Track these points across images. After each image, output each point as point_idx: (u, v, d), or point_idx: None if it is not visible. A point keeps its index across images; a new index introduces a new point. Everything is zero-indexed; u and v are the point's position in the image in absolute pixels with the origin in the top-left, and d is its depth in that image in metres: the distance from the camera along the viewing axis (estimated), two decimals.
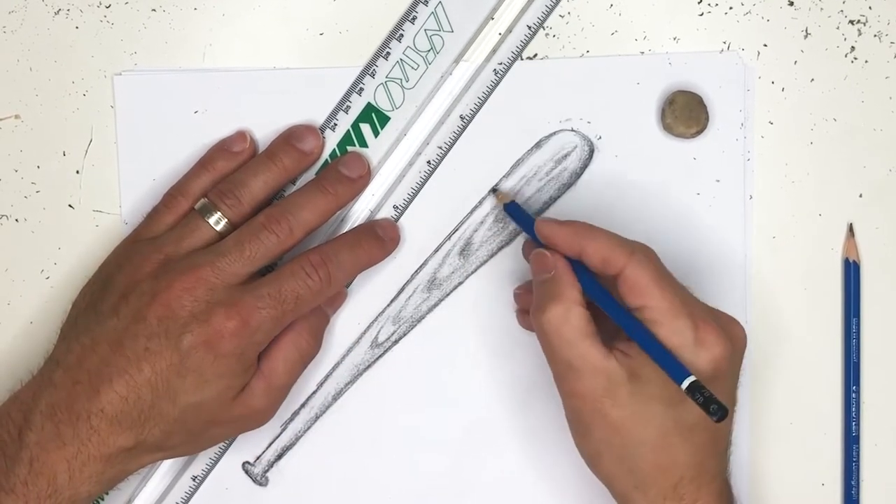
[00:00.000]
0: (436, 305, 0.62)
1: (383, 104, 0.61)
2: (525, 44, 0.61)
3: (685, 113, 0.61)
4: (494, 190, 0.62)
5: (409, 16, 0.61)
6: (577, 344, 0.54)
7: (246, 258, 0.56)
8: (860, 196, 0.63)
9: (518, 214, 0.60)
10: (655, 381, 0.53)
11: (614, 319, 0.54)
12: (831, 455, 0.63)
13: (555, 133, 0.62)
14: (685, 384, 0.51)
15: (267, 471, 0.63)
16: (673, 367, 0.52)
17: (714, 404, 0.49)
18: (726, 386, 0.55)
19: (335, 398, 0.63)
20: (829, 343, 0.63)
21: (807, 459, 0.63)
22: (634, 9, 0.62)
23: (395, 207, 0.62)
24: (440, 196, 0.62)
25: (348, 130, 0.62)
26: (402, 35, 0.61)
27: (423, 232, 0.62)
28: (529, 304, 0.56)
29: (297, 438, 0.63)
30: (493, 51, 0.61)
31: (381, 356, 0.63)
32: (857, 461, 0.63)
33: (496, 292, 0.62)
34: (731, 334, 0.55)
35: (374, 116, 0.61)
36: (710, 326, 0.53)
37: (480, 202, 0.62)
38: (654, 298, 0.53)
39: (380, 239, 0.60)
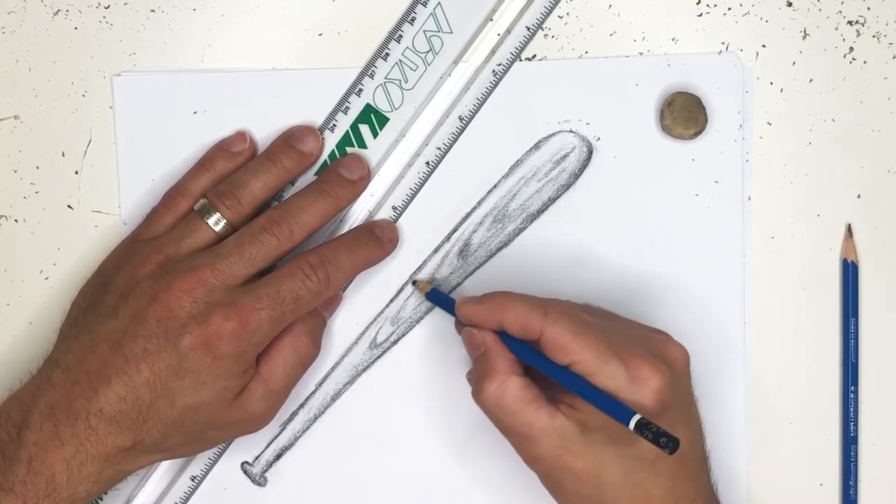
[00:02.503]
0: (435, 306, 0.62)
1: (382, 105, 0.61)
2: (524, 45, 0.61)
3: (684, 114, 0.61)
4: (414, 282, 0.62)
5: (407, 17, 0.61)
6: (520, 412, 0.54)
7: (246, 260, 0.56)
8: (858, 196, 0.63)
9: (440, 299, 0.61)
10: (606, 427, 0.53)
11: (551, 377, 0.54)
12: (830, 455, 0.63)
13: (553, 134, 0.62)
14: (631, 424, 0.51)
15: (266, 471, 0.63)
16: (616, 410, 0.52)
17: (663, 437, 0.49)
18: (678, 411, 0.55)
19: (334, 399, 0.63)
20: (828, 343, 0.63)
21: (805, 459, 0.63)
22: (633, 10, 0.62)
23: (394, 208, 0.62)
24: (439, 197, 0.62)
25: (347, 131, 0.62)
26: (401, 36, 0.61)
27: (421, 233, 0.62)
28: None
29: (296, 439, 0.63)
30: (492, 52, 0.61)
31: (379, 357, 0.63)
32: (856, 461, 0.63)
33: None
34: (668, 359, 0.55)
35: (373, 117, 0.61)
36: (642, 360, 0.53)
37: (479, 203, 0.62)
38: (577, 353, 0.53)
39: (378, 240, 0.60)
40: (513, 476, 0.63)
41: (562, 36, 0.62)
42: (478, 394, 0.56)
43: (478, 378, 0.56)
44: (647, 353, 0.54)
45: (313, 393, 0.63)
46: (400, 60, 0.61)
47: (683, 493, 0.55)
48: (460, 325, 0.59)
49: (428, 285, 0.61)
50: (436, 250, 0.62)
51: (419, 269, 0.62)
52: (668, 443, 0.49)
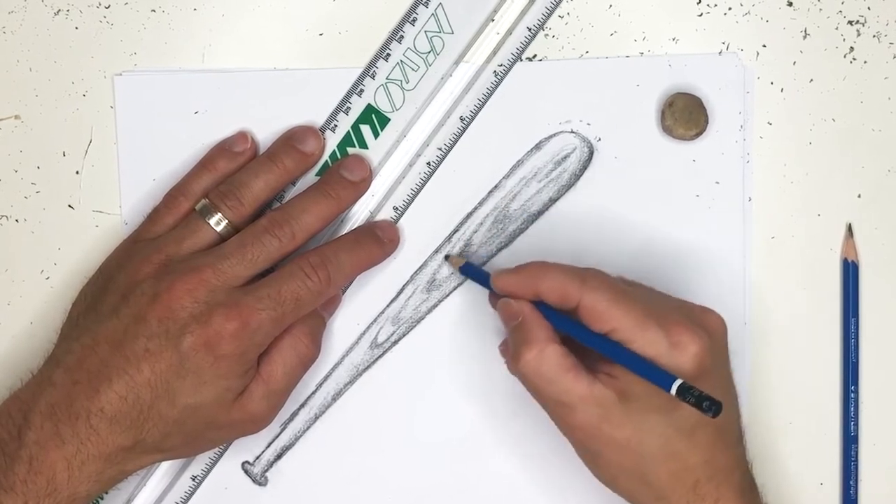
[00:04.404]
0: (435, 306, 0.62)
1: (383, 105, 0.61)
2: (525, 45, 0.61)
3: (685, 115, 0.61)
4: (447, 257, 0.62)
5: (409, 17, 0.61)
6: (559, 380, 0.54)
7: (247, 261, 0.56)
8: (859, 196, 0.63)
9: (474, 273, 0.61)
10: (646, 395, 0.53)
11: (590, 346, 0.54)
12: (830, 455, 0.64)
13: (554, 134, 0.62)
14: (673, 389, 0.51)
15: (266, 471, 0.63)
16: (657, 376, 0.52)
17: (706, 401, 0.49)
18: (717, 378, 0.55)
19: (334, 398, 0.63)
20: (828, 343, 0.63)
21: (805, 459, 0.63)
22: (633, 9, 0.62)
23: (395, 209, 0.62)
24: (440, 197, 0.62)
25: (348, 132, 0.62)
26: (402, 36, 0.61)
27: (422, 233, 0.62)
28: None
29: (297, 438, 0.63)
30: (493, 52, 0.61)
31: (380, 357, 0.63)
32: (856, 461, 0.63)
33: None
34: (707, 326, 0.55)
35: (375, 118, 0.61)
36: (682, 326, 0.53)
37: (480, 203, 0.62)
38: (616, 320, 0.53)
39: (379, 240, 0.60)
40: (515, 474, 0.63)
41: (562, 36, 0.62)
42: (515, 362, 0.55)
43: (515, 347, 0.55)
44: (686, 319, 0.54)
45: (314, 393, 0.63)
46: (401, 61, 0.61)
47: (721, 465, 0.55)
48: (495, 298, 0.58)
49: (461, 259, 0.61)
50: (437, 251, 0.62)
51: (420, 269, 0.62)
52: (710, 406, 0.49)
